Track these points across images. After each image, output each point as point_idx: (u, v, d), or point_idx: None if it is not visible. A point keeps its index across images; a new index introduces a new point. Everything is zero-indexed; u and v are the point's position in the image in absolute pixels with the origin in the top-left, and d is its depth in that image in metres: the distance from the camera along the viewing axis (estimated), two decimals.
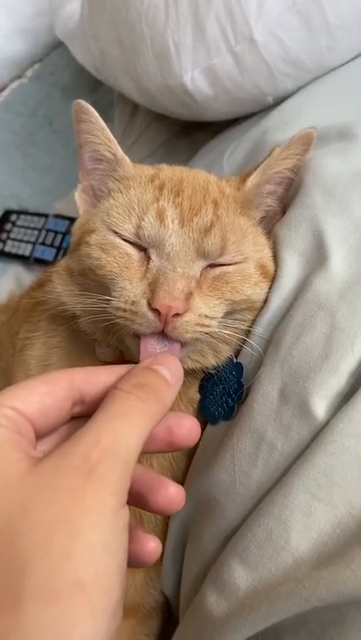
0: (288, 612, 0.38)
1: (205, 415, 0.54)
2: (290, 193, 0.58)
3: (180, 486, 0.38)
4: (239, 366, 0.52)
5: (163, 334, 0.47)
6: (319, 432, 0.42)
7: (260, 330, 0.51)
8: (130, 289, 0.48)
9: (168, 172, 0.56)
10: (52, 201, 1.32)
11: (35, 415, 0.34)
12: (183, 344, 0.48)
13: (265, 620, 0.39)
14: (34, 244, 1.21)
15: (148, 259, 0.50)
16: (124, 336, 0.51)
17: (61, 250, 1.17)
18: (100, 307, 0.49)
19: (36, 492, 0.29)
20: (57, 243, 1.19)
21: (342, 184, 0.54)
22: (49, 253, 1.18)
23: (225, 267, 0.51)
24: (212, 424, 0.53)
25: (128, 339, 0.51)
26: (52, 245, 1.19)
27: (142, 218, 0.50)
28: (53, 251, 1.18)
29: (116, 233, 0.51)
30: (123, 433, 0.32)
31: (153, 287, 0.47)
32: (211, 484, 0.48)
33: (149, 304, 0.46)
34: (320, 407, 0.43)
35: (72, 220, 0.61)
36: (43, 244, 1.20)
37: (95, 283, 0.52)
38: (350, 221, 0.51)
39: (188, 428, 0.39)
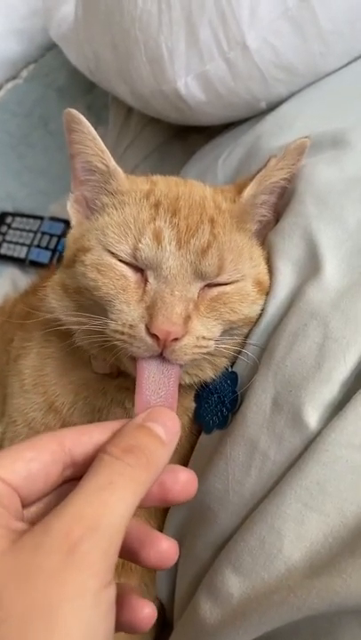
0: (281, 621, 0.38)
1: (200, 424, 0.54)
2: (283, 201, 0.58)
3: (173, 540, 0.37)
4: (234, 375, 0.52)
5: (161, 356, 0.47)
6: (312, 441, 0.42)
7: (255, 339, 0.52)
8: (127, 312, 0.48)
9: (163, 187, 0.55)
10: (48, 202, 1.32)
11: (20, 483, 0.32)
12: (181, 365, 0.48)
13: (258, 628, 0.39)
14: (29, 246, 1.21)
15: (146, 280, 0.49)
16: (122, 357, 0.51)
17: (57, 252, 1.17)
18: (98, 328, 0.49)
19: (13, 575, 0.27)
20: (52, 245, 1.19)
21: (335, 192, 0.54)
22: (44, 256, 1.18)
23: (222, 286, 0.51)
24: (207, 433, 0.53)
25: (126, 360, 0.51)
26: (47, 248, 1.19)
27: (139, 239, 0.49)
28: (49, 253, 1.18)
29: (113, 253, 0.50)
30: (108, 506, 0.30)
31: (151, 311, 0.47)
32: (205, 493, 0.48)
33: (147, 329, 0.46)
34: (312, 417, 0.43)
35: (68, 222, 0.59)
36: (38, 246, 1.20)
37: (91, 302, 0.51)
38: (343, 230, 0.51)
39: (183, 482, 0.37)
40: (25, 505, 0.33)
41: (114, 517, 0.30)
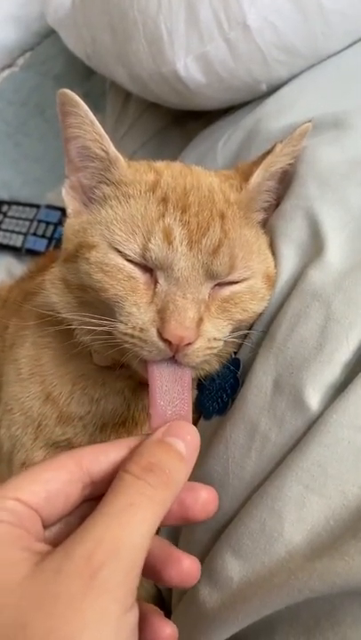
0: (281, 604, 0.38)
1: (200, 410, 0.54)
2: (284, 184, 0.57)
3: (194, 558, 0.37)
4: (237, 361, 0.52)
5: (172, 359, 0.45)
6: (313, 423, 0.42)
7: (260, 325, 0.51)
8: (138, 315, 0.46)
9: (169, 177, 0.52)
10: (44, 191, 1.31)
11: (40, 504, 0.32)
12: (193, 366, 0.47)
13: (258, 611, 0.39)
14: (25, 234, 1.20)
15: (155, 281, 0.47)
16: (131, 359, 0.49)
17: (53, 240, 1.16)
18: (105, 329, 0.47)
19: (35, 601, 0.27)
20: (48, 234, 1.18)
21: (338, 173, 0.53)
22: (40, 244, 1.17)
23: (233, 285, 0.49)
24: (206, 419, 0.53)
25: (135, 362, 0.49)
26: (43, 236, 1.18)
27: (148, 238, 0.47)
28: (45, 241, 1.17)
29: (120, 252, 0.48)
30: (129, 528, 0.30)
31: (162, 315, 0.45)
32: (204, 476, 0.48)
33: (159, 333, 0.44)
34: (314, 398, 0.42)
35: (64, 210, 0.57)
36: (34, 234, 1.19)
37: (96, 299, 0.50)
38: (346, 211, 0.51)
39: (203, 501, 0.37)
40: (46, 526, 0.33)
41: (135, 540, 0.30)
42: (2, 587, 0.28)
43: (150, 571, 0.35)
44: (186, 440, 0.37)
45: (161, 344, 0.44)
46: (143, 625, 0.34)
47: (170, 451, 0.36)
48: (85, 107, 0.50)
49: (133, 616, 0.29)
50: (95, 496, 0.35)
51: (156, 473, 0.33)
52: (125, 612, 0.28)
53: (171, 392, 0.45)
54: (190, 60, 0.76)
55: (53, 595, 0.27)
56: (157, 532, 0.54)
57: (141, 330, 0.45)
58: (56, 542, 0.31)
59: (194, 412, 0.56)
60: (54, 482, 0.33)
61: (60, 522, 0.35)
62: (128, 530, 0.30)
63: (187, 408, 0.44)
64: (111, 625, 0.27)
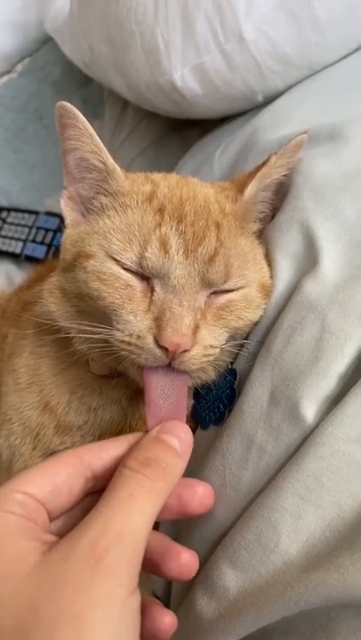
0: (277, 616, 0.38)
1: (197, 420, 0.54)
2: (280, 195, 0.58)
3: (193, 552, 0.38)
4: (233, 372, 0.52)
5: (169, 366, 0.46)
6: (309, 435, 0.42)
7: (256, 336, 0.51)
8: (135, 322, 0.47)
9: (165, 188, 0.53)
10: (43, 197, 1.31)
11: (47, 497, 0.34)
12: (189, 373, 0.48)
13: (254, 623, 0.39)
14: (24, 241, 1.20)
15: (152, 289, 0.48)
16: (128, 366, 0.49)
17: (52, 247, 1.16)
18: (102, 337, 0.48)
19: (45, 586, 0.29)
20: (48, 240, 1.18)
21: (333, 186, 0.54)
22: (40, 251, 1.18)
23: (229, 294, 0.50)
24: (203, 429, 0.53)
25: (132, 369, 0.50)
26: (42, 243, 1.18)
27: (145, 247, 0.48)
28: (44, 248, 1.17)
29: (117, 261, 0.49)
30: (130, 517, 0.32)
31: (159, 323, 0.46)
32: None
33: (156, 340, 0.45)
34: (310, 410, 0.43)
35: (63, 217, 0.57)
36: (33, 241, 1.20)
37: (93, 308, 0.50)
38: (341, 224, 0.51)
39: (200, 496, 0.39)
40: (51, 518, 0.35)
41: (136, 528, 0.32)
42: (13, 576, 0.30)
43: (151, 563, 0.37)
44: (180, 437, 0.39)
45: (158, 351, 0.45)
46: (143, 615, 0.35)
47: (165, 447, 0.38)
48: (84, 119, 0.51)
49: (137, 600, 0.31)
50: (97, 490, 0.38)
51: (153, 466, 0.35)
52: (130, 596, 0.30)
53: (166, 396, 0.46)
54: (187, 71, 0.76)
55: (62, 580, 0.29)
56: (157, 529, 0.56)
57: (138, 337, 0.46)
58: (61, 534, 0.33)
59: (190, 422, 0.56)
60: (59, 476, 0.35)
61: (65, 515, 0.37)
62: (129, 518, 0.32)
63: (182, 412, 0.45)
64: (117, 606, 0.29)
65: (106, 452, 0.38)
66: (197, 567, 0.39)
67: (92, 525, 0.31)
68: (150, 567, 0.37)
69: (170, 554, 0.38)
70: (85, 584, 0.29)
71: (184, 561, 0.38)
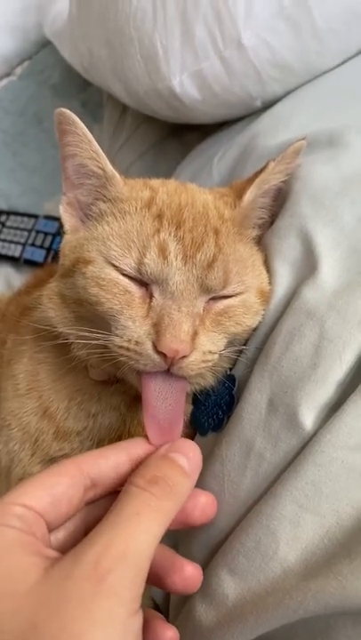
0: (276, 623, 0.38)
1: (195, 426, 0.54)
2: (279, 201, 0.58)
3: (197, 565, 0.38)
4: (232, 378, 0.52)
5: (167, 372, 0.46)
6: (307, 442, 0.42)
7: (255, 342, 0.51)
8: (133, 328, 0.47)
9: (164, 194, 0.53)
10: (42, 201, 1.31)
11: (46, 509, 0.34)
12: (187, 379, 0.48)
13: (253, 630, 0.39)
14: (24, 245, 1.20)
15: (151, 295, 0.48)
16: (126, 372, 0.50)
17: (51, 251, 1.16)
18: (101, 342, 0.48)
19: (46, 603, 0.29)
20: (47, 244, 1.18)
21: (331, 192, 0.54)
22: (39, 255, 1.18)
23: (227, 299, 0.50)
24: (202, 435, 0.53)
25: (130, 375, 0.50)
26: (42, 247, 1.18)
27: (144, 253, 0.48)
28: (43, 252, 1.17)
29: (116, 267, 0.49)
30: (135, 536, 0.31)
31: (158, 328, 0.46)
32: None
33: (155, 346, 0.45)
34: (308, 418, 0.43)
35: (62, 222, 0.57)
36: (33, 245, 1.19)
37: (92, 314, 0.50)
38: (340, 230, 0.51)
39: (202, 507, 0.39)
40: (51, 529, 0.35)
41: (141, 547, 0.31)
42: (14, 592, 0.29)
43: (154, 577, 0.37)
44: (188, 456, 0.39)
45: (156, 357, 0.45)
46: (145, 629, 0.35)
47: (174, 466, 0.37)
48: (82, 125, 0.51)
49: (138, 621, 0.31)
50: (96, 499, 0.37)
51: (160, 485, 0.35)
52: (131, 616, 0.30)
53: (164, 398, 0.46)
54: (186, 77, 0.77)
55: (63, 597, 0.28)
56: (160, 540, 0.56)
57: (137, 343, 0.46)
58: (61, 546, 0.33)
59: (189, 428, 0.56)
60: (58, 486, 0.35)
61: (64, 526, 0.36)
62: (134, 537, 0.31)
63: (179, 415, 0.45)
64: (118, 626, 0.29)
65: (104, 460, 0.37)
66: (201, 580, 0.38)
67: (95, 542, 0.31)
68: (154, 581, 0.37)
69: (174, 567, 0.38)
70: (87, 602, 0.28)
71: (188, 574, 0.38)
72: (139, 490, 0.34)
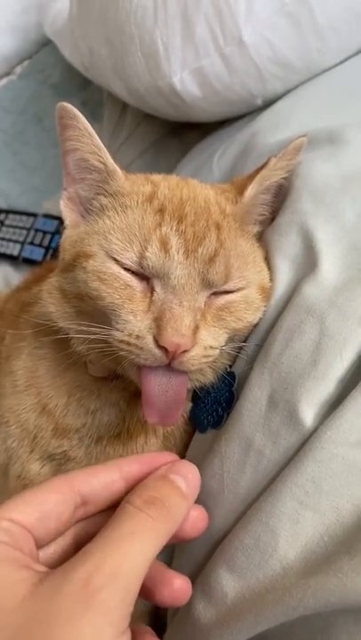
0: (276, 621, 0.38)
1: (195, 423, 0.54)
2: (279, 198, 0.58)
3: (186, 578, 0.38)
4: (232, 375, 0.52)
5: (168, 366, 0.46)
6: (307, 439, 0.42)
7: (256, 339, 0.51)
8: (134, 322, 0.46)
9: (165, 189, 0.53)
10: (42, 200, 1.31)
11: (34, 524, 0.33)
12: (187, 374, 0.48)
13: (252, 628, 0.39)
14: (22, 243, 1.20)
15: (152, 289, 0.48)
16: (127, 366, 0.49)
17: (50, 250, 1.16)
18: (101, 337, 0.48)
19: (35, 619, 0.28)
20: (46, 243, 1.18)
21: (332, 189, 0.54)
22: (38, 253, 1.17)
23: (229, 295, 0.50)
24: (201, 432, 0.53)
25: (130, 370, 0.50)
26: (40, 245, 1.18)
27: (145, 247, 0.47)
28: (42, 251, 1.17)
29: (117, 261, 0.49)
30: (128, 556, 0.31)
31: (159, 323, 0.45)
32: (200, 490, 0.48)
33: (156, 340, 0.45)
34: (308, 414, 0.43)
35: (62, 220, 0.57)
36: (31, 243, 1.19)
37: (92, 308, 0.50)
38: (340, 227, 0.51)
39: (193, 520, 0.39)
40: (39, 546, 0.34)
41: (133, 567, 0.31)
42: (2, 607, 0.29)
43: (143, 590, 0.36)
44: (187, 478, 0.38)
45: (157, 351, 0.45)
46: None
47: (172, 487, 0.37)
48: (84, 119, 0.51)
49: (127, 639, 0.30)
50: (87, 517, 0.37)
51: (157, 506, 0.34)
52: (120, 635, 0.29)
53: (164, 391, 0.46)
54: (186, 75, 0.77)
55: (53, 613, 0.28)
56: None
57: (138, 337, 0.46)
58: (51, 562, 0.32)
59: (188, 425, 0.56)
60: (47, 503, 0.34)
61: (55, 543, 0.36)
62: (128, 557, 0.31)
63: (179, 407, 0.46)
64: None
65: (96, 479, 0.37)
66: (190, 592, 0.38)
67: (87, 559, 0.30)
68: (142, 594, 0.36)
69: (162, 580, 0.37)
70: (76, 619, 0.28)
71: (176, 587, 0.37)
72: (135, 510, 0.34)
